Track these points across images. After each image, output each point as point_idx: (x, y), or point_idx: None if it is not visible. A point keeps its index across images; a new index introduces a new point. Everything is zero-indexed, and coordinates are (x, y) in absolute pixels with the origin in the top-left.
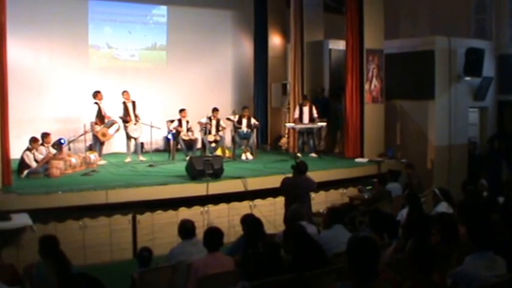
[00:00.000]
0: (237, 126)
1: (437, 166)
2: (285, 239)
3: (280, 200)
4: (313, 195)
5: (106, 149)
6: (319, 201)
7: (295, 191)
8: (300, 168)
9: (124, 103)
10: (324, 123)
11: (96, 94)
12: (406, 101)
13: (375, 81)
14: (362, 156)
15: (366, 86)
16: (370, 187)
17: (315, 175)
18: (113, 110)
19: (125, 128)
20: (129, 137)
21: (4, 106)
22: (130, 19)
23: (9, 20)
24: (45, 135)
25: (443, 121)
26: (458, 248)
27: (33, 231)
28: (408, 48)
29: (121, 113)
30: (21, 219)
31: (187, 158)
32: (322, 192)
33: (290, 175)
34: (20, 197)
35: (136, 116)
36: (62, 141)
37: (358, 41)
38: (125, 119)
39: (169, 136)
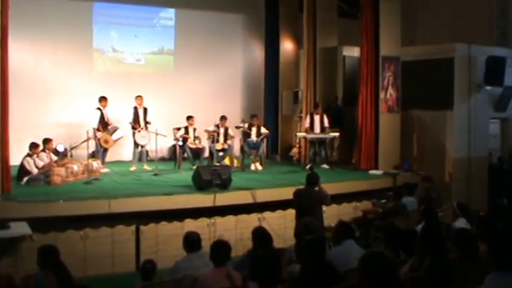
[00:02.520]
0: (246, 135)
1: (456, 179)
2: (296, 254)
3: (291, 212)
4: (324, 208)
5: (109, 157)
6: (331, 214)
7: (306, 203)
8: (311, 180)
9: (135, 108)
10: (337, 133)
11: (101, 100)
12: (424, 111)
13: (390, 90)
14: (376, 168)
15: (382, 95)
16: (384, 201)
17: (327, 187)
18: (117, 116)
19: (133, 135)
20: (136, 145)
21: (4, 110)
22: (136, 22)
23: (11, 22)
24: (46, 141)
25: (462, 132)
26: (478, 267)
27: (32, 240)
28: (426, 55)
29: (128, 118)
30: (20, 228)
31: (194, 167)
32: (334, 206)
33: (302, 187)
34: (19, 204)
35: (146, 123)
36: (59, 148)
37: (373, 48)
38: (134, 126)
39: (180, 143)
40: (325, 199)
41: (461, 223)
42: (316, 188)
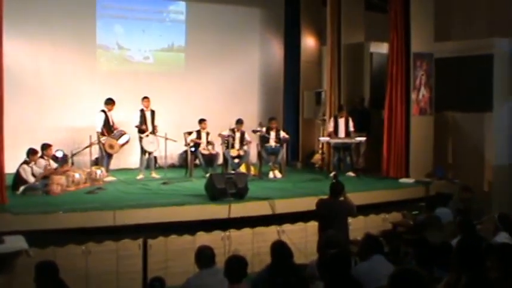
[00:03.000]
0: (264, 140)
1: (496, 188)
2: (319, 270)
3: (312, 225)
4: (350, 220)
5: (114, 164)
6: (357, 227)
7: (330, 215)
8: (335, 189)
9: (142, 111)
10: (363, 138)
11: (109, 103)
12: (459, 113)
13: (423, 90)
14: (407, 176)
15: (413, 96)
16: (416, 212)
17: (353, 197)
18: (122, 119)
19: (140, 140)
20: (143, 151)
21: None
22: (144, 16)
23: (6, 16)
24: (45, 147)
25: (502, 136)
26: None
27: (28, 256)
28: (462, 52)
29: (134, 122)
30: (16, 242)
31: (207, 175)
32: (360, 217)
33: (325, 197)
34: (14, 216)
35: (155, 127)
36: (59, 154)
37: (403, 44)
38: (141, 130)
39: (192, 149)
40: (351, 210)
41: (502, 237)
42: (341, 198)
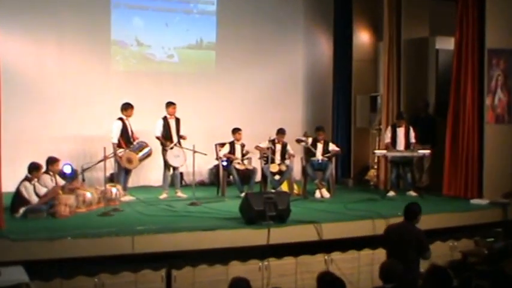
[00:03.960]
0: (309, 154)
1: None
2: None
3: (366, 253)
4: None
5: (133, 181)
6: None
7: (398, 243)
8: (409, 212)
9: (165, 119)
10: (427, 151)
11: (127, 108)
12: None
13: (499, 94)
14: (480, 196)
15: (487, 101)
16: (492, 239)
17: None
18: (142, 128)
19: (163, 153)
20: (167, 166)
21: None
22: (167, 7)
23: (4, 7)
24: (51, 161)
25: None
26: None
27: None
28: None
29: (156, 131)
30: (14, 275)
31: (242, 194)
32: None
33: (381, 220)
34: (13, 243)
35: (180, 138)
36: (67, 169)
37: (475, 39)
38: (164, 141)
39: (224, 163)
40: (423, 249)
41: None
42: (417, 225)
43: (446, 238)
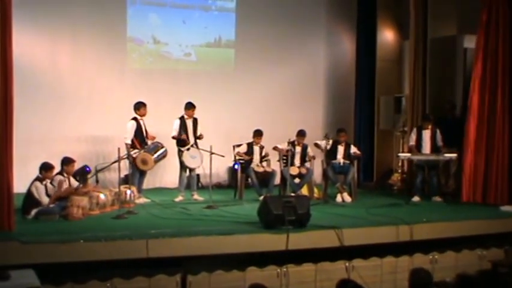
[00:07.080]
0: (330, 156)
1: None
2: None
3: (389, 261)
4: (436, 256)
5: (148, 183)
6: (447, 265)
7: None
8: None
9: (182, 119)
10: (454, 155)
11: (139, 107)
12: None
13: None
14: (510, 202)
15: None
16: None
17: (441, 227)
18: (158, 128)
19: (179, 154)
20: (183, 167)
21: (8, 121)
22: (185, 3)
23: (18, 4)
24: (67, 162)
25: None
26: None
27: None
28: None
29: (172, 131)
30: (24, 278)
31: (261, 197)
32: (450, 253)
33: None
34: (23, 246)
35: (197, 138)
36: (88, 169)
37: (508, 38)
38: (181, 142)
39: (237, 165)
40: None
41: None
42: None
43: (474, 246)
